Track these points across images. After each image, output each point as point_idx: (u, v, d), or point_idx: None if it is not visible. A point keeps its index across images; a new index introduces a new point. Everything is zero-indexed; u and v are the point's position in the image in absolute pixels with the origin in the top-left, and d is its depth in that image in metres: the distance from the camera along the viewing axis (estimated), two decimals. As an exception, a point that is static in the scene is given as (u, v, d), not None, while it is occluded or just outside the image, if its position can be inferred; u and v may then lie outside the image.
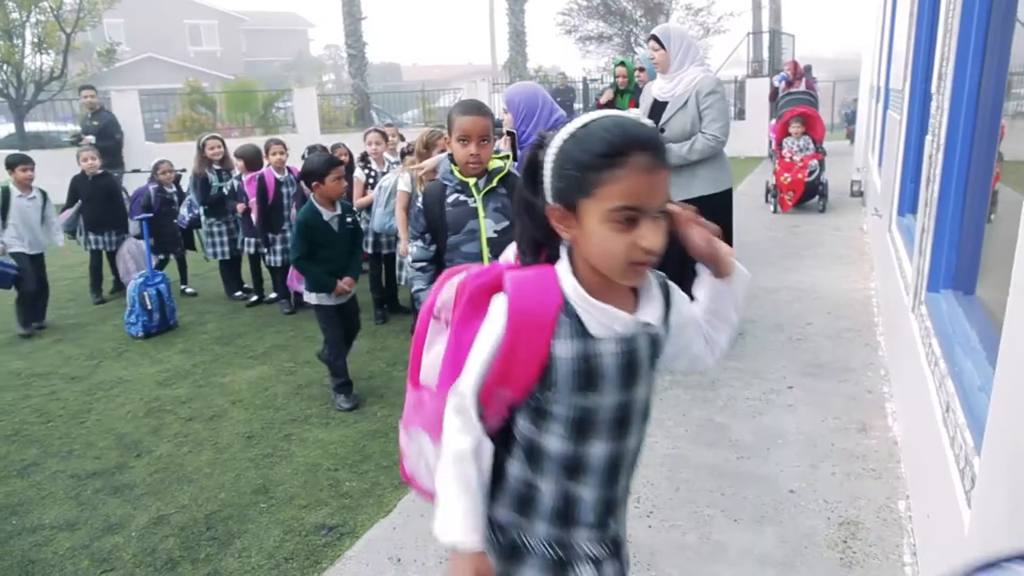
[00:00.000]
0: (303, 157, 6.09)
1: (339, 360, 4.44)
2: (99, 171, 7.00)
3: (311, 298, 4.40)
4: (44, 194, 6.31)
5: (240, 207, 6.53)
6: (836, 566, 2.73)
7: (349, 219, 4.42)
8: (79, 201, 6.88)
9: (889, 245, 5.03)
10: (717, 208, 4.59)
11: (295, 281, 6.21)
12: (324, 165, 4.27)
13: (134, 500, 3.49)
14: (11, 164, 6.15)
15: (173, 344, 5.79)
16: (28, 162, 6.20)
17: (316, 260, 4.25)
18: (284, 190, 6.30)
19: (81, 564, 3.02)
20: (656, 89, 4.80)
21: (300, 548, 3.04)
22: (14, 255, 5.97)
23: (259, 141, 7.17)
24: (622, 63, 7.56)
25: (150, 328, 5.94)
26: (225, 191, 6.66)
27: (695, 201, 4.42)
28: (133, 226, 6.89)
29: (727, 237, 4.67)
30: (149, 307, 5.92)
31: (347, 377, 4.46)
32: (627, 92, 7.36)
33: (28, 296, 6.18)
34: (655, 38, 4.65)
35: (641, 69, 7.20)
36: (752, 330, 5.26)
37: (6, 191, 6.04)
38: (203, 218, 6.84)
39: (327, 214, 4.28)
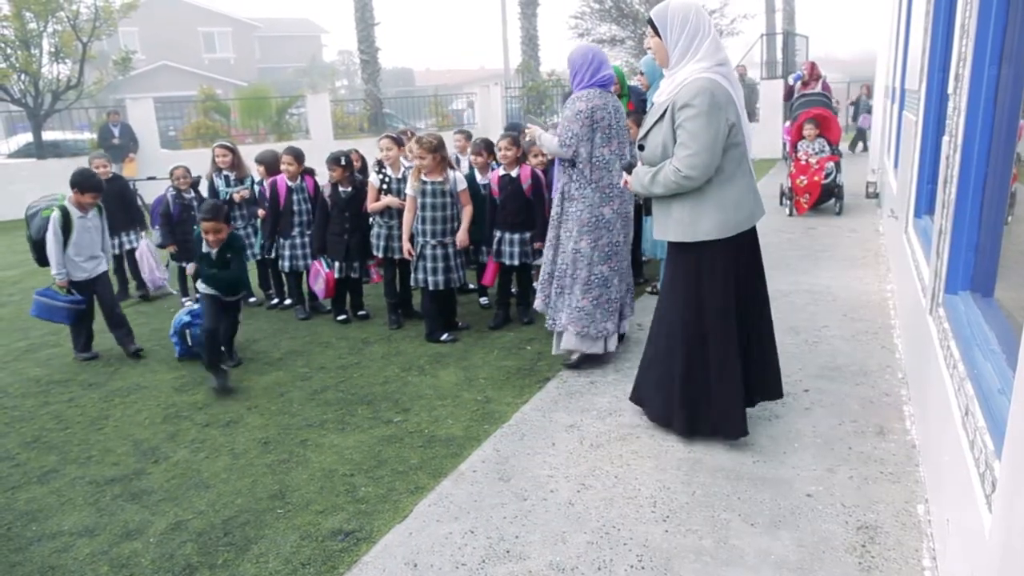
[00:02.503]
0: (327, 162, 6.13)
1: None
2: (111, 175, 7.14)
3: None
4: (100, 209, 5.70)
5: (261, 212, 6.59)
6: (854, 570, 2.71)
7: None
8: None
9: (906, 247, 5.00)
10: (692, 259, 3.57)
11: (312, 279, 6.28)
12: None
13: (152, 506, 3.51)
14: (83, 187, 5.44)
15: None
16: (101, 190, 5.63)
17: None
18: (295, 196, 6.34)
19: (100, 570, 3.04)
20: (658, 92, 3.65)
21: (317, 553, 3.05)
22: (75, 284, 5.52)
23: (275, 147, 7.22)
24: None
25: (183, 354, 5.79)
26: (236, 198, 6.70)
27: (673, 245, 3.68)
28: (155, 235, 6.92)
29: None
30: (189, 343, 5.67)
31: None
32: (622, 96, 7.33)
33: (87, 321, 5.74)
34: (651, 22, 3.57)
35: (641, 72, 7.19)
36: (768, 333, 5.23)
37: (66, 213, 5.40)
38: None
39: None
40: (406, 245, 5.63)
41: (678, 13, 3.44)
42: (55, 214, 5.34)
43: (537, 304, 4.96)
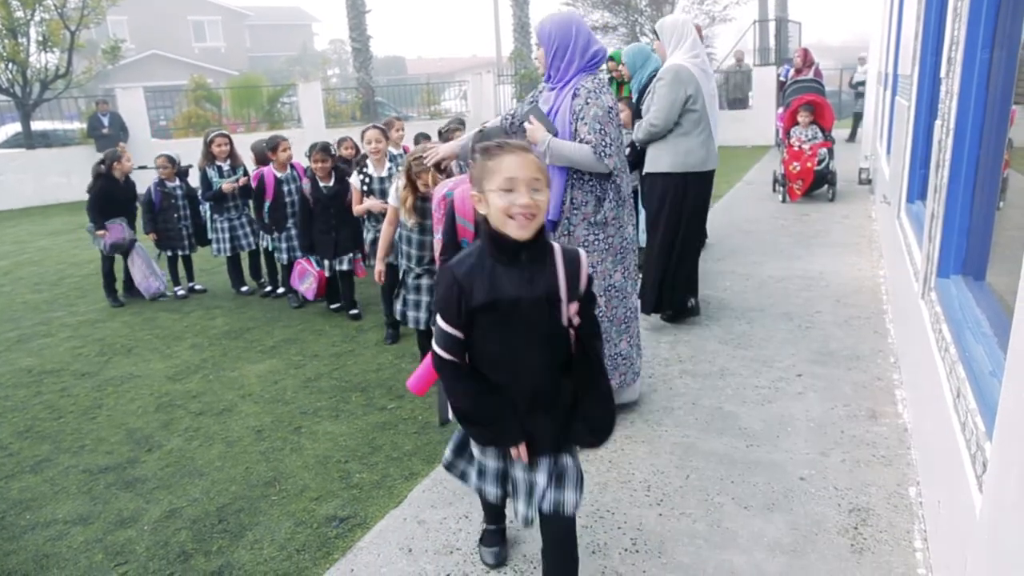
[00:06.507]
0: (307, 154, 6.01)
1: None
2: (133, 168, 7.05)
3: None
4: None
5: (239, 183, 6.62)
6: (847, 552, 2.73)
7: None
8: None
9: (898, 232, 5.01)
10: (658, 187, 4.99)
11: (297, 280, 6.23)
12: None
13: (146, 494, 3.51)
14: None
15: (183, 339, 5.81)
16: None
17: None
18: (285, 187, 6.29)
19: (95, 558, 3.04)
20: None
21: (312, 540, 3.05)
22: None
23: (266, 136, 7.16)
24: (611, 58, 7.50)
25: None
26: (227, 189, 6.62)
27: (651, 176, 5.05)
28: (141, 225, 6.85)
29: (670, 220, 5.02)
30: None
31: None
32: (624, 84, 7.35)
33: None
34: (655, 31, 5.18)
35: (611, 58, 7.29)
36: (761, 318, 5.25)
37: None
38: (208, 214, 6.87)
39: None
40: (380, 264, 4.87)
41: (669, 24, 4.99)
42: None
43: None
